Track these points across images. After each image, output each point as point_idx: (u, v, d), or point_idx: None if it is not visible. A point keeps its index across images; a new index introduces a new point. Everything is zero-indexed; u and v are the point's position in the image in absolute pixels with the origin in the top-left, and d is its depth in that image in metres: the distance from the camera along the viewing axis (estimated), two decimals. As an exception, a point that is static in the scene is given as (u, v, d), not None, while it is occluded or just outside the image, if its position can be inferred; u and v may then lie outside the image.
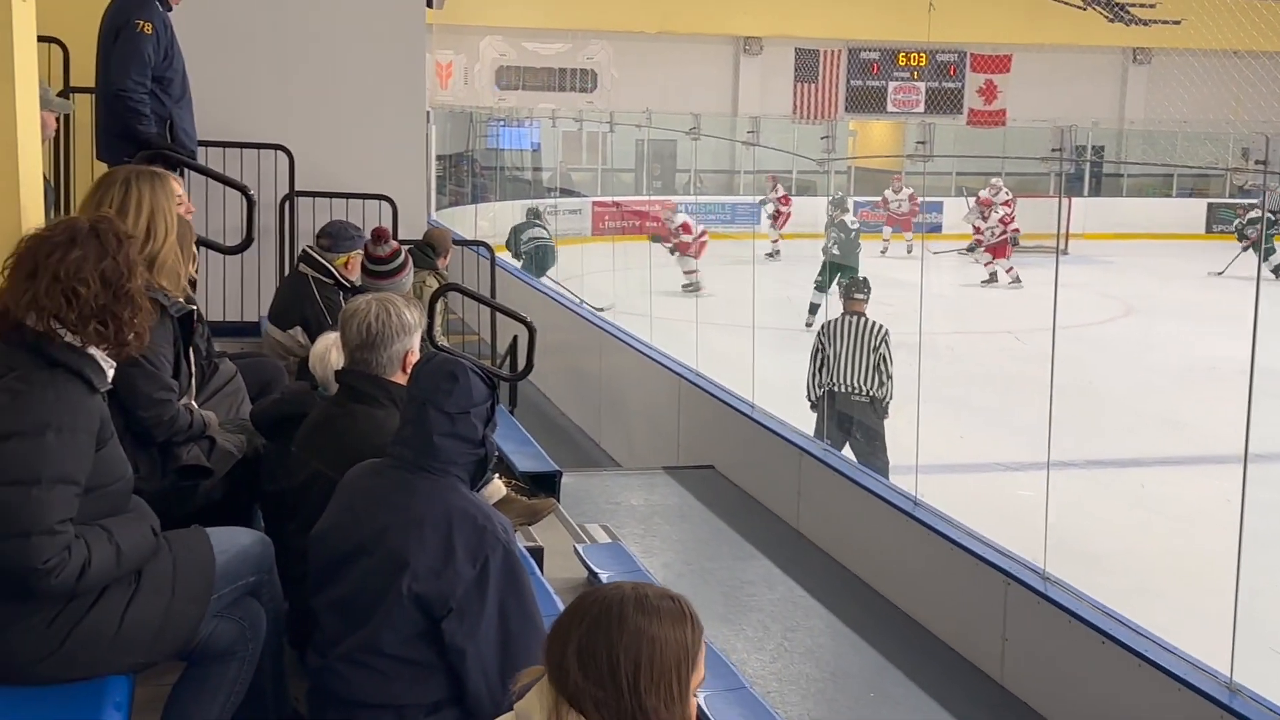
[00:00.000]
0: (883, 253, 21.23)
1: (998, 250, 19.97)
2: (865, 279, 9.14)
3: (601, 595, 1.99)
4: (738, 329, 12.26)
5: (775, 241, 22.32)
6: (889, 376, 8.55)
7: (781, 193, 23.18)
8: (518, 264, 17.18)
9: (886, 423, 8.59)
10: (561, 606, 4.49)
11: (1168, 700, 4.82)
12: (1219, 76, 23.99)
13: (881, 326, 8.68)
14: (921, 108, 29.14)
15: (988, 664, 5.85)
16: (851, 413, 8.56)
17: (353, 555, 2.79)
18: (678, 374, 9.70)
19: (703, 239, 18.09)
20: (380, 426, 3.14)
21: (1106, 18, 21.82)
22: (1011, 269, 19.45)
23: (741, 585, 6.84)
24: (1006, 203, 21.89)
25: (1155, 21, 21.12)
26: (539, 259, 17.73)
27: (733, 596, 6.64)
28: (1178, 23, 21.35)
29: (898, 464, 8.04)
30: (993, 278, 19.76)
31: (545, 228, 18.87)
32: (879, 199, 23.17)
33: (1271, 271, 18.03)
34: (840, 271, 13.01)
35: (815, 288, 14.47)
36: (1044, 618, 5.52)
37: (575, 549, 5.76)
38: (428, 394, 2.82)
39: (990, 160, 23.71)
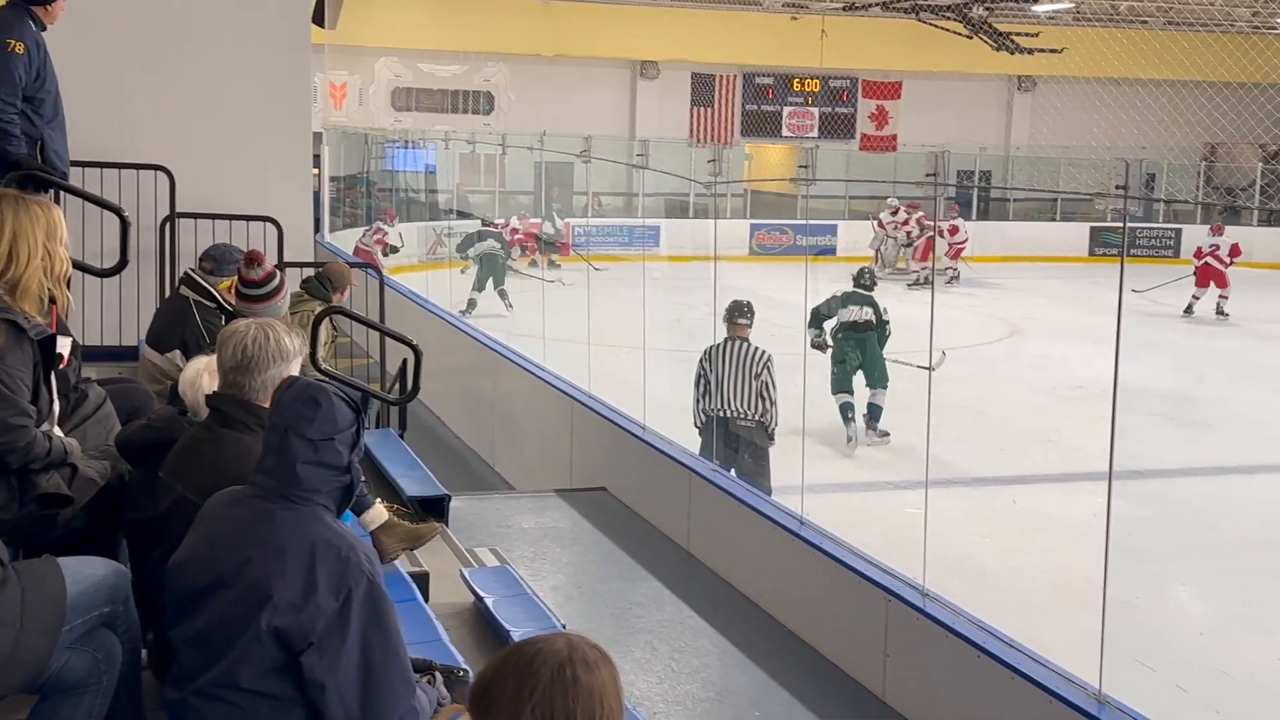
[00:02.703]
0: (948, 281, 21.75)
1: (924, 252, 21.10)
2: (748, 303, 9.07)
3: (544, 659, 2.00)
4: (631, 350, 12.32)
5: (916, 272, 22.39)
6: (773, 402, 8.53)
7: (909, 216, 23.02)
8: (467, 271, 17.87)
9: (771, 449, 8.60)
10: (444, 633, 4.51)
11: (1040, 712, 4.92)
12: (1099, 103, 24.79)
13: (764, 352, 8.65)
14: (815, 132, 29.60)
15: (870, 680, 5.93)
16: (738, 437, 8.56)
17: (212, 588, 2.74)
18: (570, 396, 9.70)
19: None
20: (248, 453, 3.08)
21: (991, 46, 22.42)
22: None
23: (630, 607, 6.84)
24: (908, 222, 22.56)
25: (1037, 50, 21.75)
26: (492, 269, 18.26)
27: (621, 618, 6.64)
28: (1059, 51, 22.00)
29: (788, 484, 8.09)
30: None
31: (500, 239, 19.21)
32: (945, 226, 23.12)
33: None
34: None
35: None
36: (923, 633, 5.62)
37: (461, 573, 5.72)
38: (290, 421, 2.77)
39: (879, 185, 24.19)
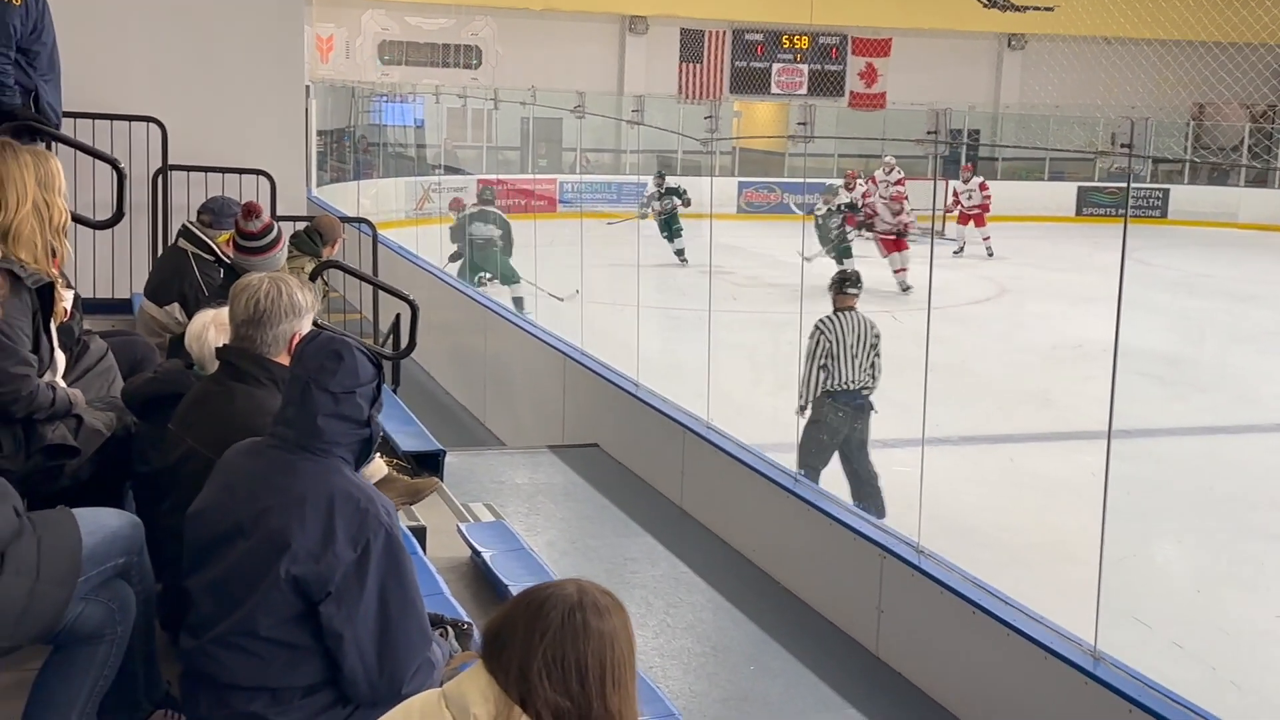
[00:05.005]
0: (956, 253, 20.68)
1: (850, 219, 20.63)
2: (857, 273, 8.63)
3: (555, 603, 2.00)
4: (623, 307, 12.32)
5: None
6: (881, 371, 8.09)
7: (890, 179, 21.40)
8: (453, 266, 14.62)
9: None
10: (445, 586, 4.53)
11: (1035, 668, 4.98)
12: (1090, 62, 24.71)
13: (874, 323, 8.21)
14: (804, 89, 29.46)
15: (864, 636, 5.98)
16: (847, 413, 8.07)
17: (230, 536, 2.74)
18: (563, 352, 9.70)
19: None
20: (259, 406, 3.08)
21: (982, 3, 22.33)
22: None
23: (625, 562, 6.89)
24: (899, 181, 22.26)
25: (1029, 7, 21.65)
26: (485, 262, 14.64)
27: (616, 574, 6.68)
28: (1051, 9, 21.90)
29: (779, 442, 8.01)
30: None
31: (498, 221, 15.09)
32: (951, 191, 22.00)
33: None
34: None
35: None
36: (917, 590, 5.66)
37: (458, 528, 5.75)
38: (312, 373, 2.76)
39: (870, 142, 24.08)
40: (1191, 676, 5.14)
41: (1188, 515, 8.22)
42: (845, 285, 8.34)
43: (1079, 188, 27.55)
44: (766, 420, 8.61)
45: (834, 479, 7.57)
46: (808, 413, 8.02)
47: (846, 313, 8.18)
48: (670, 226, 18.70)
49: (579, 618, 1.98)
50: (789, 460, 7.12)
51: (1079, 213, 27.04)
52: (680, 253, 18.50)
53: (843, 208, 16.69)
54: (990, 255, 21.03)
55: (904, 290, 16.03)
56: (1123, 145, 4.93)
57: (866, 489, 7.75)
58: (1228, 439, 10.30)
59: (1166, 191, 27.53)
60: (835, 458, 7.95)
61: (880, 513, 6.81)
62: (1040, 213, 25.88)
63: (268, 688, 2.69)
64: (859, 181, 21.80)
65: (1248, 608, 6.79)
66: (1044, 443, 9.72)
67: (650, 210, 18.79)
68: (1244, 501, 8.65)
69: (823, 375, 8.01)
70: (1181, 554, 7.70)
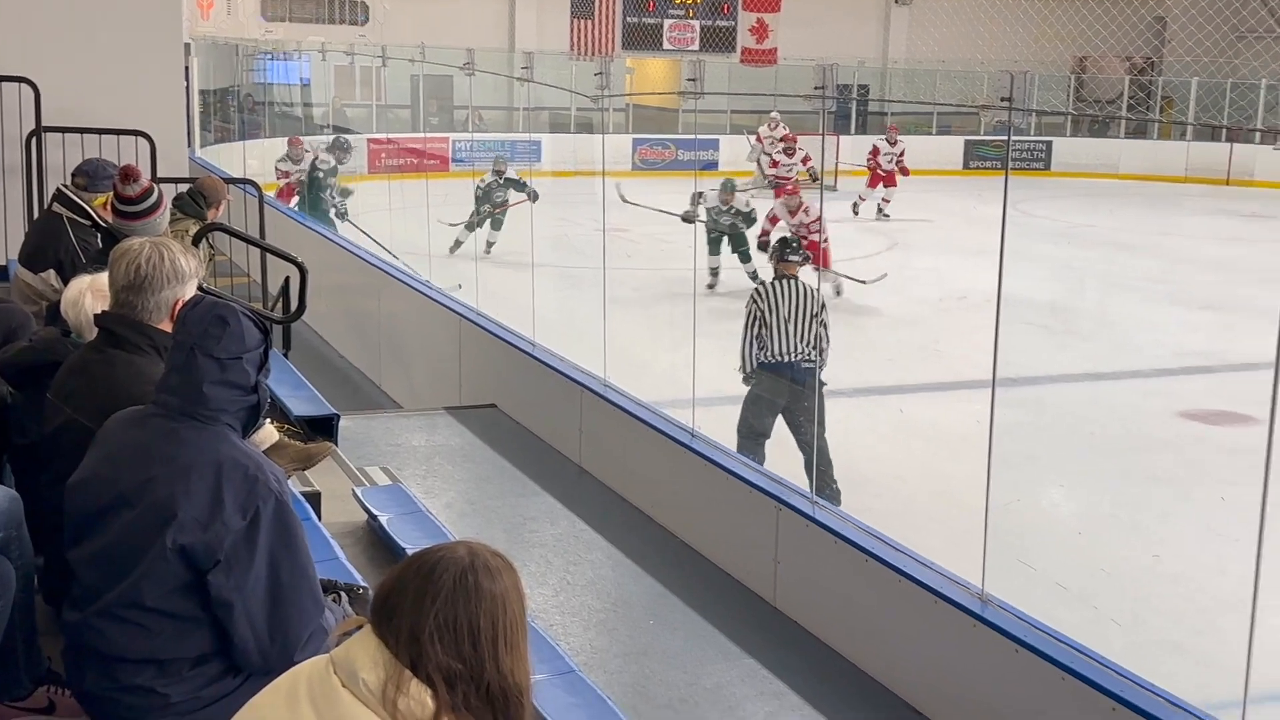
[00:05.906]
0: (855, 207, 20.48)
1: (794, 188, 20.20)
2: (797, 240, 8.33)
3: (445, 566, 1.98)
4: (518, 268, 12.26)
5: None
6: (829, 342, 7.77)
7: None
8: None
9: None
10: (340, 551, 4.50)
11: (925, 612, 5.11)
12: (973, 17, 25.09)
13: (819, 291, 7.95)
14: (696, 45, 29.45)
15: (761, 587, 6.07)
16: (799, 382, 7.75)
17: (113, 507, 2.68)
18: (458, 313, 9.63)
19: None
20: (140, 374, 3.01)
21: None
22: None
23: (524, 522, 6.89)
24: (785, 137, 22.14)
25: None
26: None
27: (515, 533, 6.68)
28: (936, -35, 22.09)
29: (676, 399, 8.04)
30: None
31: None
32: (869, 150, 21.34)
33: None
34: None
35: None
36: (812, 540, 5.76)
37: (354, 492, 5.71)
38: (196, 339, 2.71)
39: (762, 99, 24.18)
40: (1075, 617, 5.30)
41: (1071, 460, 8.47)
42: (786, 251, 8.03)
43: (965, 141, 27.99)
44: (664, 377, 8.64)
45: (733, 428, 7.58)
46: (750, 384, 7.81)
47: (787, 280, 7.83)
48: (496, 222, 16.54)
49: (470, 580, 1.97)
50: (686, 416, 7.16)
51: (966, 166, 27.50)
52: (490, 245, 15.92)
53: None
54: (884, 216, 20.89)
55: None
56: (1003, 99, 5.01)
57: (818, 470, 7.12)
58: (1109, 385, 10.62)
59: (1049, 144, 28.11)
60: (785, 431, 7.66)
61: (832, 498, 6.57)
62: (929, 166, 26.21)
63: (155, 659, 2.64)
64: (799, 148, 20.91)
65: (1128, 548, 7.03)
66: (934, 393, 9.91)
67: (489, 205, 16.65)
68: (1124, 445, 8.94)
69: (757, 346, 7.74)
70: (1065, 497, 7.94)
